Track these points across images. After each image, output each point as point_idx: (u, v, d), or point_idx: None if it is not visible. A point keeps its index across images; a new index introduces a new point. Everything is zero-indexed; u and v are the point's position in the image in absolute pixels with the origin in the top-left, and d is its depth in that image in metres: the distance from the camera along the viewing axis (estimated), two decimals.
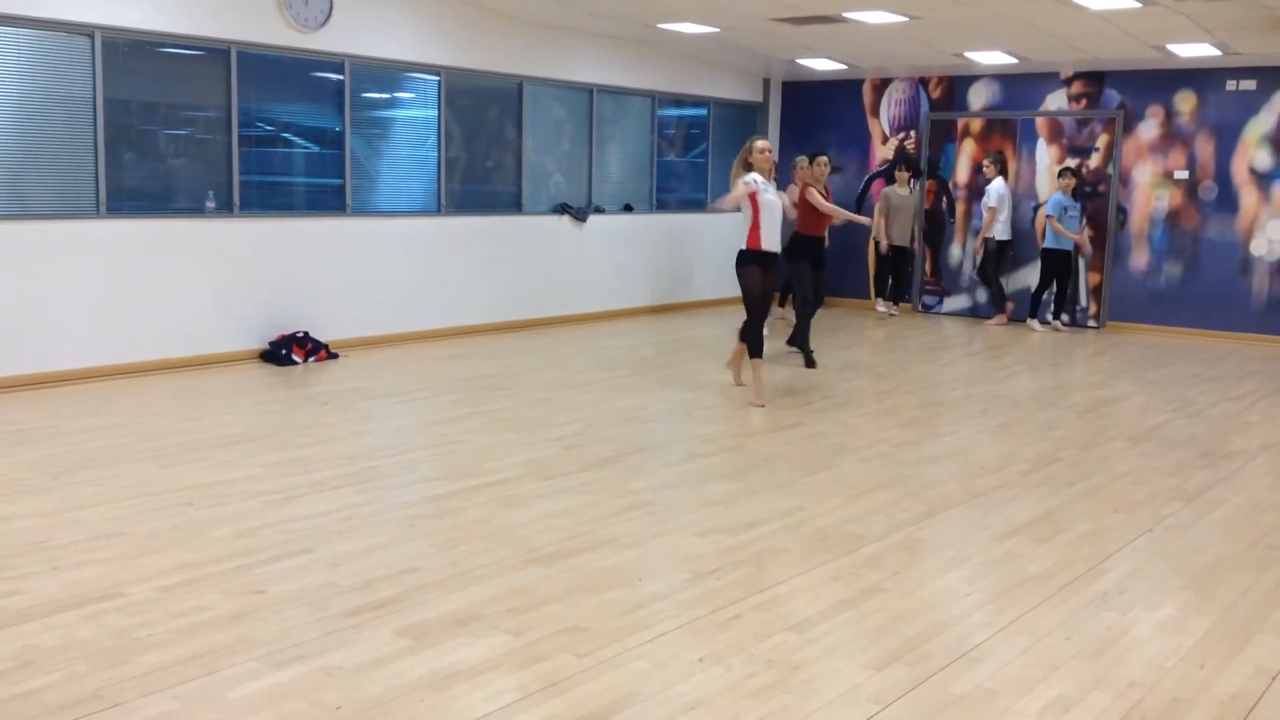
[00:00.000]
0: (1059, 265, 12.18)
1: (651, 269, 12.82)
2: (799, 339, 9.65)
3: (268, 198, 9.30)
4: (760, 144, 7.79)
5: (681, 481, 5.80)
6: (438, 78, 10.40)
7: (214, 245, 8.78)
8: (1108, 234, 12.51)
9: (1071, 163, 12.51)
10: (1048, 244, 12.16)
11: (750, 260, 7.77)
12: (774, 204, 7.72)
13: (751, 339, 7.86)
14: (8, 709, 3.21)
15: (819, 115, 14.25)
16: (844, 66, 13.43)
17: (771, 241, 7.75)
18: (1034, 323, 12.46)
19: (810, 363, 9.40)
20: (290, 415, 7.18)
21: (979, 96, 13.23)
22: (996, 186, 12.42)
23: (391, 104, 10.43)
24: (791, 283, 9.81)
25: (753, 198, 7.61)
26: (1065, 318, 12.48)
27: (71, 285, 7.98)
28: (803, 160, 10.16)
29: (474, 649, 3.66)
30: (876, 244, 13.33)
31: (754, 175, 7.64)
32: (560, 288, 11.80)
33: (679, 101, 13.31)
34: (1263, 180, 11.69)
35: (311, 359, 9.04)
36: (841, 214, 9.44)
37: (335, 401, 7.60)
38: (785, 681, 3.49)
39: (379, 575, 4.32)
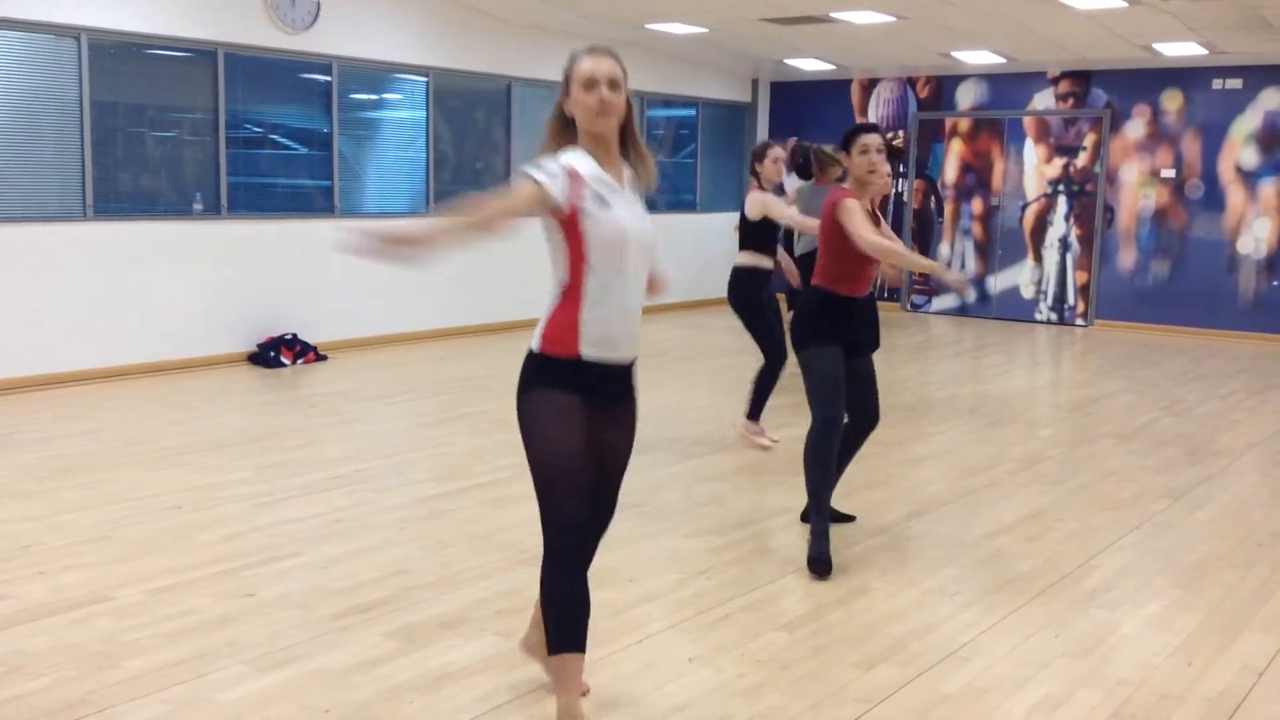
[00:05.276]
0: None
1: None
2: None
3: (255, 199, 9.27)
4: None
5: (671, 482, 5.80)
6: (426, 79, 10.39)
7: (201, 247, 8.76)
8: (1095, 233, 12.55)
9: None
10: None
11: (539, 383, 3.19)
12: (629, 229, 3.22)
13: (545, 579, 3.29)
14: None
15: (807, 115, 14.26)
16: (832, 66, 13.45)
17: (618, 331, 3.21)
18: None
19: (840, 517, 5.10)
20: (279, 418, 7.16)
21: (966, 96, 13.26)
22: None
23: (380, 105, 10.42)
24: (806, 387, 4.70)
25: (571, 214, 3.08)
26: None
27: (58, 288, 7.94)
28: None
29: (463, 651, 3.66)
30: None
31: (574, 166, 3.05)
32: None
33: (668, 102, 13.31)
34: (1249, 179, 11.74)
35: (300, 361, 9.02)
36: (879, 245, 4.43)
37: (324, 404, 7.58)
38: (775, 681, 3.50)
39: (368, 578, 4.31)
